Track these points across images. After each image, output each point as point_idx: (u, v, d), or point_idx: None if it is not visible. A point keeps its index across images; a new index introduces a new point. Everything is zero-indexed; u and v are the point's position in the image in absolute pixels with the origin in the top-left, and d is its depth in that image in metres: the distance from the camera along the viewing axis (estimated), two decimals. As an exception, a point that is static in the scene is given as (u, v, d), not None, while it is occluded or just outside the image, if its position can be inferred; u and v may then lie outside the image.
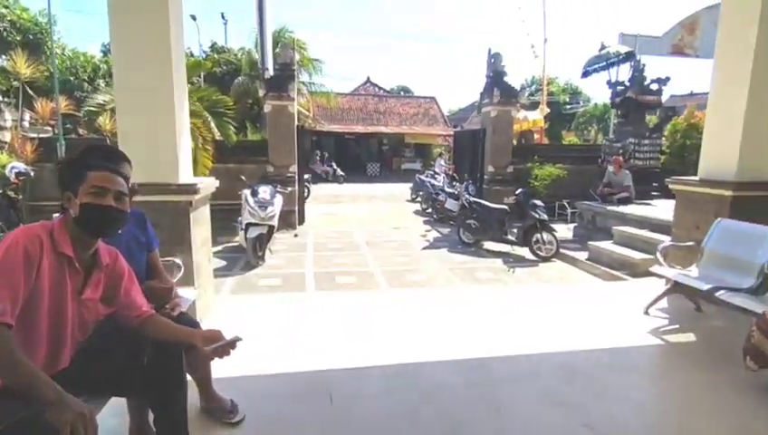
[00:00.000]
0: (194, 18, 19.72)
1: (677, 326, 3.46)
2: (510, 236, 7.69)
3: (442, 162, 17.67)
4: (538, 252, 7.21)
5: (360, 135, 26.47)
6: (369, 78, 32.12)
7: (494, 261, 7.13)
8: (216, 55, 18.32)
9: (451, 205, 9.34)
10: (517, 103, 11.03)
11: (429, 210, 11.52)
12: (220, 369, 2.05)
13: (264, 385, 2.49)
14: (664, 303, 3.78)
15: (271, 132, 9.58)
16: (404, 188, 16.36)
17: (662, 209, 6.91)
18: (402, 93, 36.42)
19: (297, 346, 3.03)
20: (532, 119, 13.22)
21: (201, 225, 3.41)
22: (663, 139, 10.38)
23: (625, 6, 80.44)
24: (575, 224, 8.84)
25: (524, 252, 7.41)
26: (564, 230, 8.70)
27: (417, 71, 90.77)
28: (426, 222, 10.79)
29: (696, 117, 10.19)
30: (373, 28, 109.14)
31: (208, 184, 3.50)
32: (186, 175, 3.30)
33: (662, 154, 10.21)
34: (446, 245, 8.23)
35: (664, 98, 10.62)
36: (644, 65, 10.11)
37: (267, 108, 9.50)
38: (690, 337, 3.29)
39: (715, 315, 3.60)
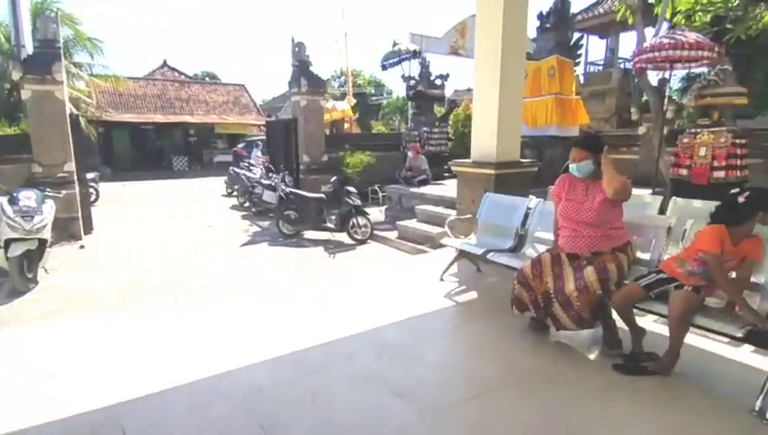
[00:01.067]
0: None
1: (464, 287, 4.06)
2: (329, 224, 7.90)
3: (258, 153, 17.02)
4: (355, 236, 7.60)
5: (160, 125, 23.51)
6: (165, 61, 28.81)
7: (316, 249, 7.24)
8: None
9: (269, 197, 9.07)
10: (325, 93, 11.27)
11: (247, 204, 11.00)
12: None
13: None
14: (455, 268, 4.39)
15: (34, 123, 7.67)
16: (218, 183, 15.25)
17: (452, 188, 7.99)
18: (208, 80, 33.63)
19: (84, 380, 2.52)
20: (341, 109, 13.74)
21: None
22: (449, 127, 12.00)
23: (414, 8, 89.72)
24: (386, 206, 9.55)
25: (343, 237, 7.72)
26: (377, 213, 9.28)
27: (224, 57, 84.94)
28: (244, 217, 10.29)
29: (470, 109, 12.06)
30: (171, 7, 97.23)
31: None
32: None
33: (449, 140, 11.82)
34: (267, 238, 7.99)
35: (449, 92, 12.29)
36: (429, 62, 11.47)
37: (26, 93, 7.57)
38: (474, 295, 3.90)
39: (492, 273, 4.34)
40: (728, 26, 6.67)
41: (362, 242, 7.56)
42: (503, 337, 3.07)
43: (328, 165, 11.19)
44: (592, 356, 2.79)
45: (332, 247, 7.33)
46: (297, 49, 10.71)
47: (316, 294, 4.11)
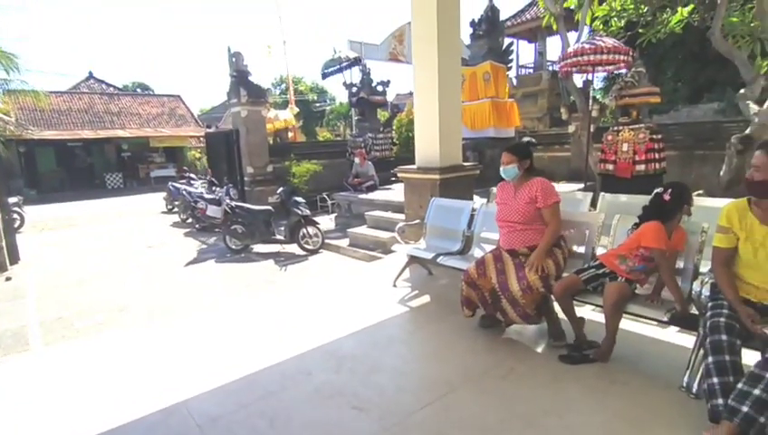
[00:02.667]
0: None
1: (417, 292, 4.12)
2: (278, 236, 7.76)
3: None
4: (306, 246, 7.50)
5: (89, 141, 21.99)
6: (91, 73, 27.06)
7: (266, 263, 7.07)
8: None
9: (213, 212, 8.75)
10: (266, 103, 11.06)
11: (190, 220, 10.55)
12: None
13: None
14: (407, 273, 4.46)
15: (-61, 148, 6.96)
16: (157, 199, 14.49)
17: (399, 192, 8.09)
18: (140, 91, 31.92)
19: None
20: (284, 118, 13.51)
21: None
22: (393, 132, 12.15)
23: (351, 16, 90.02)
24: (335, 214, 9.52)
25: (294, 248, 7.60)
26: (327, 221, 9.28)
27: (156, 67, 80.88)
28: (187, 234, 9.84)
29: (413, 113, 12.30)
30: (95, 18, 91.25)
31: None
32: None
33: (394, 145, 11.97)
34: (214, 255, 7.70)
35: (391, 97, 12.44)
36: (370, 69, 11.58)
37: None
38: (427, 299, 3.97)
39: (443, 276, 4.44)
40: (640, 30, 7.25)
41: (314, 252, 7.48)
42: (456, 338, 3.15)
43: (274, 175, 10.98)
44: (540, 349, 2.93)
45: (283, 260, 7.19)
46: (234, 59, 10.44)
47: (269, 310, 4.02)
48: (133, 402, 2.53)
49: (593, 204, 3.97)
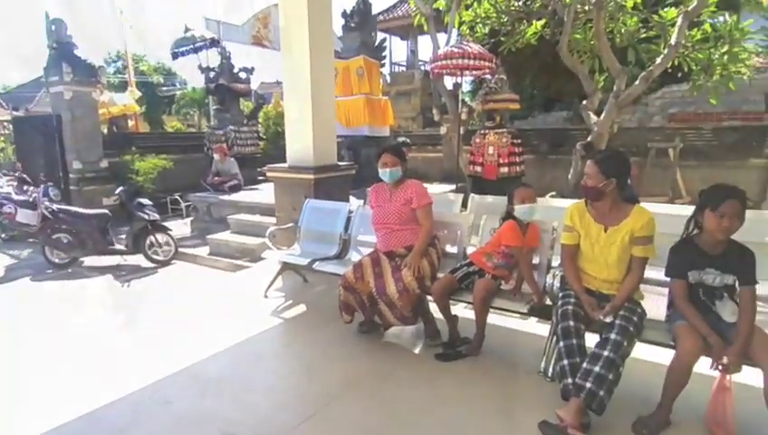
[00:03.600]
0: None
1: (292, 301, 4.15)
2: (118, 245, 7.00)
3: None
4: (155, 256, 6.91)
5: None
6: None
7: (103, 279, 6.34)
8: None
9: (25, 217, 7.47)
10: (98, 83, 9.89)
11: (-9, 229, 8.89)
12: None
13: None
14: (280, 282, 4.44)
15: None
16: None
17: (269, 193, 7.95)
18: None
19: None
20: (122, 102, 12.21)
21: None
22: (260, 126, 11.85)
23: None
24: (191, 218, 8.95)
25: (140, 259, 6.94)
26: (182, 226, 8.71)
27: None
28: (-13, 246, 8.29)
29: (281, 105, 12.16)
30: None
31: None
32: None
33: (261, 140, 11.68)
34: (29, 272, 6.65)
35: (255, 85, 12.09)
36: (230, 53, 11.12)
37: None
38: (303, 308, 4.02)
39: (319, 283, 4.52)
40: (502, 39, 8.29)
41: (165, 263, 6.93)
42: (335, 346, 3.27)
43: (110, 172, 9.91)
44: (418, 350, 3.21)
45: (125, 274, 6.53)
46: (54, 27, 9.12)
47: (111, 336, 3.66)
48: None
49: (464, 205, 4.47)
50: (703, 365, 2.15)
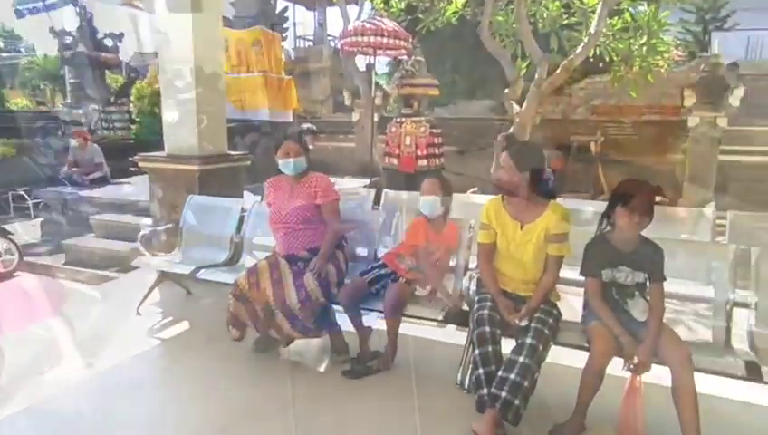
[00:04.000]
0: None
1: (172, 317, 3.99)
2: (-63, 255, 6.28)
3: None
4: (-11, 268, 6.28)
5: None
6: None
7: None
8: None
9: None
10: None
11: None
12: None
13: None
14: (157, 295, 4.24)
15: None
16: None
17: (143, 188, 7.55)
18: None
19: None
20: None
21: None
22: (132, 105, 11.19)
23: (62, -71, 78.24)
24: (42, 219, 8.34)
25: (-32, 273, 6.27)
26: (29, 229, 8.23)
27: None
28: None
29: (158, 81, 11.56)
30: None
31: None
32: None
33: (133, 123, 11.03)
34: None
35: (127, 57, 11.39)
36: (91, 14, 10.38)
37: None
38: (185, 325, 3.88)
39: (206, 294, 4.39)
40: (420, 16, 8.56)
41: (5, 276, 6.32)
42: (226, 369, 3.20)
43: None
44: (323, 368, 3.24)
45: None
46: None
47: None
48: None
49: (377, 201, 4.57)
50: (616, 367, 2.40)
